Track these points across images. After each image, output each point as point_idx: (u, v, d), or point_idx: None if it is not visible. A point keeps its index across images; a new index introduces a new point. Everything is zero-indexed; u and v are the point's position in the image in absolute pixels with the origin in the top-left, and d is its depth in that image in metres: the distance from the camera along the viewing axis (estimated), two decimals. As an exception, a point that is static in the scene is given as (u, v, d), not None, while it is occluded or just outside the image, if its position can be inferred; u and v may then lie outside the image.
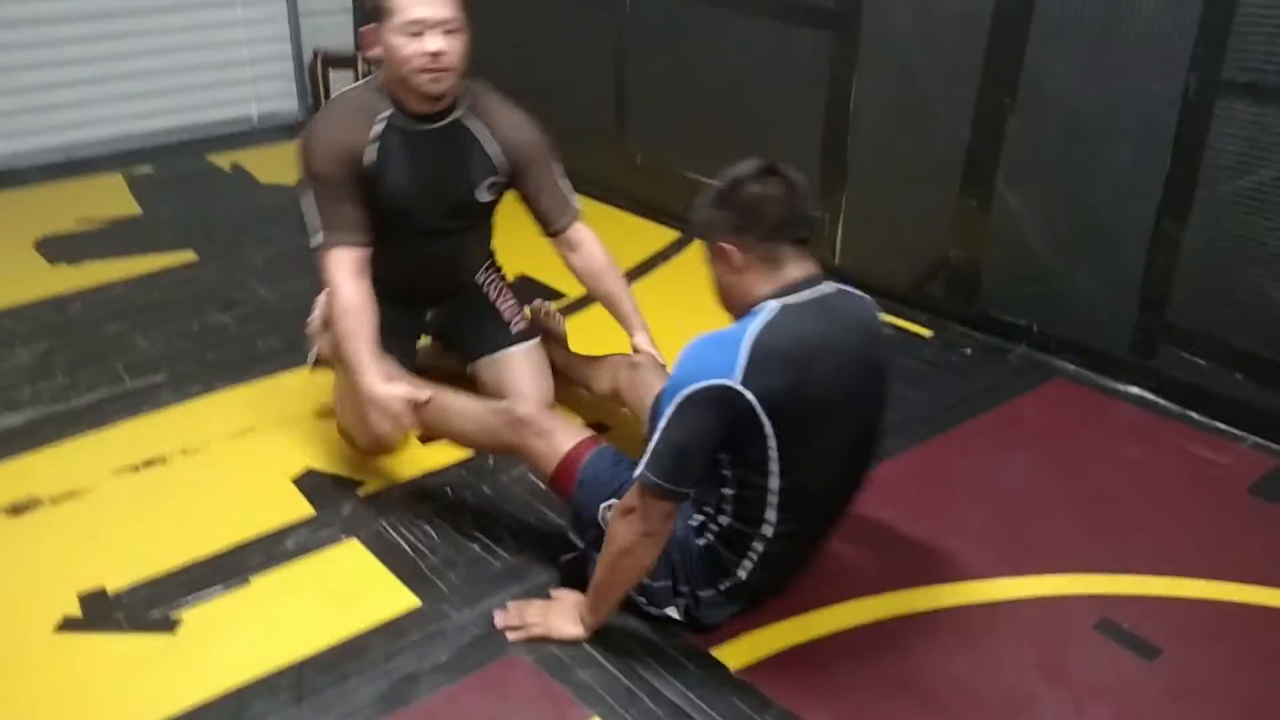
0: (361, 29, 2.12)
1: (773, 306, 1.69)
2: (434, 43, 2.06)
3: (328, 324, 2.25)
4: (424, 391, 2.09)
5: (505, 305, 2.57)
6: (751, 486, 1.74)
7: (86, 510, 2.24)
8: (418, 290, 2.43)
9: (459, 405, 2.13)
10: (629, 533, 1.71)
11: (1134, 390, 2.76)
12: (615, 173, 4.04)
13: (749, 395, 1.62)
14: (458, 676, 1.81)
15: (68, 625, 1.92)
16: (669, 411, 1.66)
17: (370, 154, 2.15)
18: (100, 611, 1.94)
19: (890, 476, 2.39)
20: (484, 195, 2.29)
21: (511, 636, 1.89)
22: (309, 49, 4.88)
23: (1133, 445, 2.56)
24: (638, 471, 1.69)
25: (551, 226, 2.38)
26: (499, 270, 2.62)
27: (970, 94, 2.87)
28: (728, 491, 1.78)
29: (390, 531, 2.16)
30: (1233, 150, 2.45)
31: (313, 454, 2.41)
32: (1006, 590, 2.06)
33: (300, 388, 2.67)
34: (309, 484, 2.31)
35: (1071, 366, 2.87)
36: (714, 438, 1.66)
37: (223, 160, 4.47)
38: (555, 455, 1.96)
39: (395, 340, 2.31)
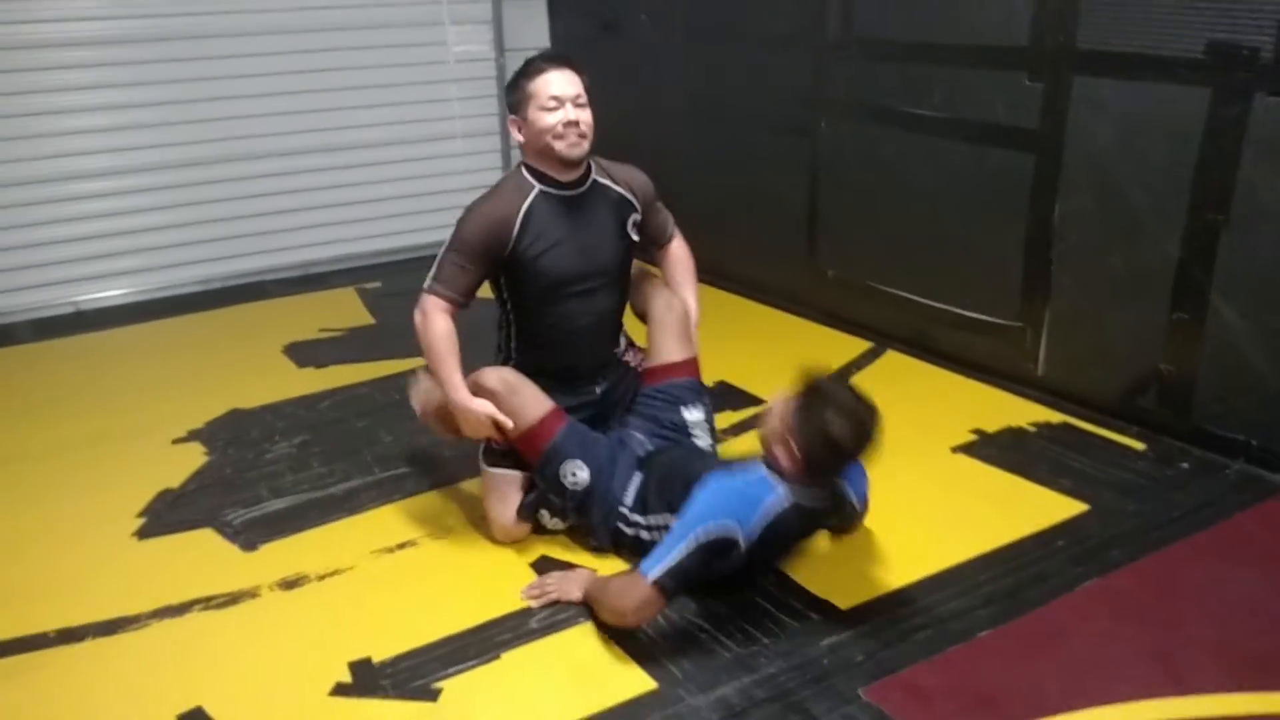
0: (510, 120, 2.56)
1: (782, 490, 2.18)
2: (571, 114, 2.46)
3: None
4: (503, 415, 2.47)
5: None
6: None
7: (349, 586, 2.47)
8: (576, 361, 2.66)
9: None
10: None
11: (1367, 509, 2.66)
12: (805, 287, 4.20)
13: (743, 545, 2.15)
14: (698, 757, 1.90)
15: (340, 690, 2.11)
16: (694, 536, 2.11)
17: (519, 222, 2.49)
18: (369, 679, 2.14)
19: (1118, 588, 2.39)
20: (634, 233, 2.68)
21: (534, 604, 2.33)
22: (518, 176, 5.32)
23: (1369, 565, 2.47)
24: (652, 575, 2.11)
25: (659, 242, 2.84)
26: (636, 346, 2.86)
27: (1180, 209, 2.90)
28: None
29: (623, 617, 2.30)
30: None
31: (545, 542, 2.60)
32: (1244, 706, 2.01)
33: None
34: (544, 568, 2.48)
35: (1295, 484, 2.80)
36: (707, 568, 2.14)
37: (441, 276, 4.85)
38: (524, 422, 2.47)
39: None
